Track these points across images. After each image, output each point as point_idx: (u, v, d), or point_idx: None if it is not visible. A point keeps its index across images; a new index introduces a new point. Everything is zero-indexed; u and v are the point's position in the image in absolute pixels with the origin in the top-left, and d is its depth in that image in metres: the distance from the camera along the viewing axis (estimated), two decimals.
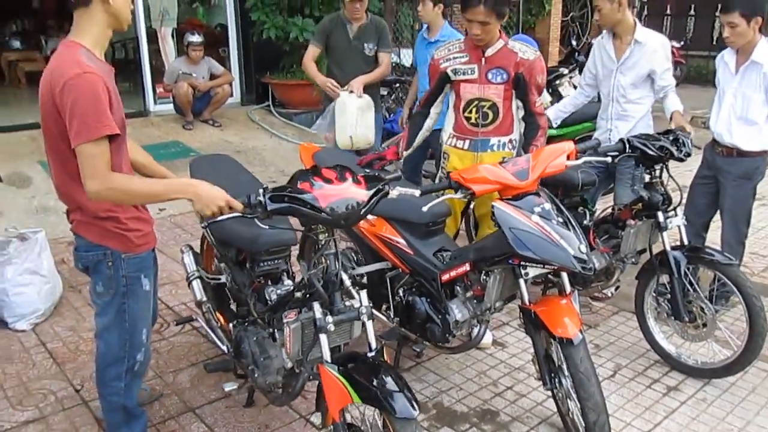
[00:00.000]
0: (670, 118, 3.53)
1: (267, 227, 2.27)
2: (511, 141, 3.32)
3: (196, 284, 2.96)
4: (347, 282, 2.17)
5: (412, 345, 3.23)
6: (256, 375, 2.50)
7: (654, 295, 3.28)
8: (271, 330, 2.44)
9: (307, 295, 2.21)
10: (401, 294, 2.99)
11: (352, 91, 4.52)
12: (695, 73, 13.15)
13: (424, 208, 2.51)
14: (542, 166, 2.52)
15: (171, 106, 7.52)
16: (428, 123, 3.46)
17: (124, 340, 2.30)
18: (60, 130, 2.02)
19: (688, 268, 3.10)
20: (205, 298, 2.93)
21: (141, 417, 2.51)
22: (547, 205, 2.48)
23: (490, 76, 3.18)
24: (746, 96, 3.38)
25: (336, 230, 2.33)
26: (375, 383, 1.96)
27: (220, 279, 2.97)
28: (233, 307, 2.98)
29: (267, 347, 2.51)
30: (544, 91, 4.72)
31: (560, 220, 2.46)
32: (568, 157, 2.61)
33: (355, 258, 3.35)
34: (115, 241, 2.19)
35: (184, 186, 2.09)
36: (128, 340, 2.30)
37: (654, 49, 3.64)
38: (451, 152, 3.40)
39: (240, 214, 2.10)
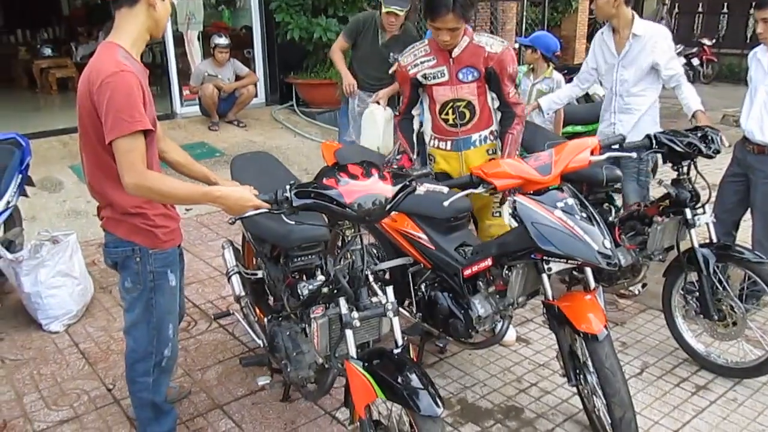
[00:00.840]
0: (692, 117, 3.48)
1: (294, 222, 2.29)
2: (492, 132, 3.31)
3: (236, 279, 3.00)
4: (372, 278, 2.18)
5: (435, 341, 3.23)
6: (288, 369, 2.52)
7: (682, 293, 3.23)
8: (303, 325, 2.46)
9: (334, 291, 2.23)
10: (423, 289, 2.99)
11: (378, 103, 4.52)
12: (727, 71, 12.93)
13: (445, 203, 2.51)
14: (565, 161, 2.50)
15: (197, 108, 7.61)
16: (416, 122, 3.46)
17: (151, 336, 2.35)
18: (95, 127, 2.09)
19: (717, 266, 3.04)
20: (243, 293, 2.96)
21: (170, 413, 2.55)
22: (570, 200, 2.46)
23: (460, 76, 3.15)
24: None
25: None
26: (399, 380, 1.96)
27: (257, 274, 3.01)
28: (271, 302, 3.02)
29: (300, 342, 2.53)
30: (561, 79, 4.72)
31: (584, 215, 2.43)
32: (592, 153, 2.58)
33: (377, 254, 3.36)
34: (142, 237, 2.25)
35: (214, 197, 2.13)
36: (156, 335, 2.35)
37: (654, 41, 3.62)
38: (435, 154, 3.40)
39: (266, 210, 2.13)
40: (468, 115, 3.25)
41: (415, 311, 3.02)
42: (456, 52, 3.10)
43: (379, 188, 2.08)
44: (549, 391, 3.03)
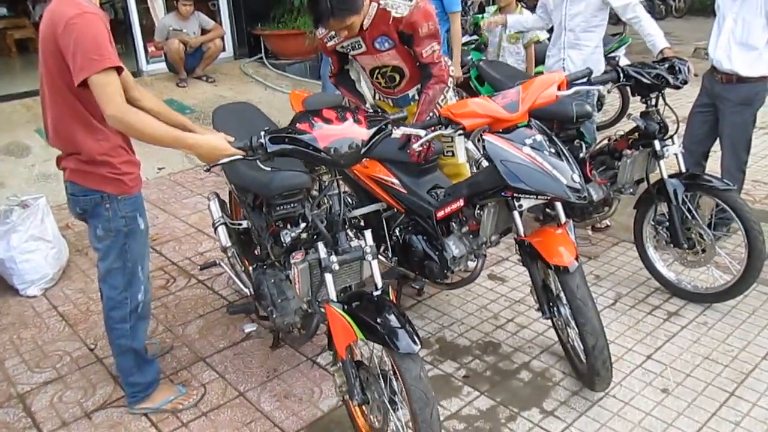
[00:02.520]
0: (660, 55, 3.46)
1: (270, 169, 2.27)
2: None
3: (222, 230, 2.99)
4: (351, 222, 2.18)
5: (412, 283, 3.27)
6: (274, 316, 2.55)
7: (653, 224, 3.28)
8: (288, 272, 2.48)
9: (313, 236, 2.24)
10: (398, 234, 3.01)
11: None
12: (699, 3, 12.86)
13: (416, 146, 2.50)
14: (532, 98, 2.48)
15: (163, 65, 7.41)
16: (353, 74, 3.44)
17: (126, 281, 2.40)
18: (62, 71, 2.09)
19: (686, 196, 3.09)
20: (229, 244, 2.96)
21: (152, 364, 2.61)
22: (539, 137, 2.46)
23: (377, 45, 3.08)
24: (746, 21, 3.29)
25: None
26: (378, 321, 1.99)
27: (242, 224, 3.02)
28: (258, 251, 3.03)
29: (284, 289, 2.56)
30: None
31: (552, 150, 2.44)
32: (559, 88, 2.57)
33: (352, 201, 3.36)
34: (111, 186, 2.28)
35: (188, 144, 2.15)
36: (130, 279, 2.41)
37: None
38: (383, 106, 3.44)
39: (241, 157, 2.10)
40: (398, 77, 3.25)
41: (390, 256, 3.04)
42: (366, 23, 3.00)
43: (354, 132, 2.06)
44: (525, 325, 3.10)
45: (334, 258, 2.11)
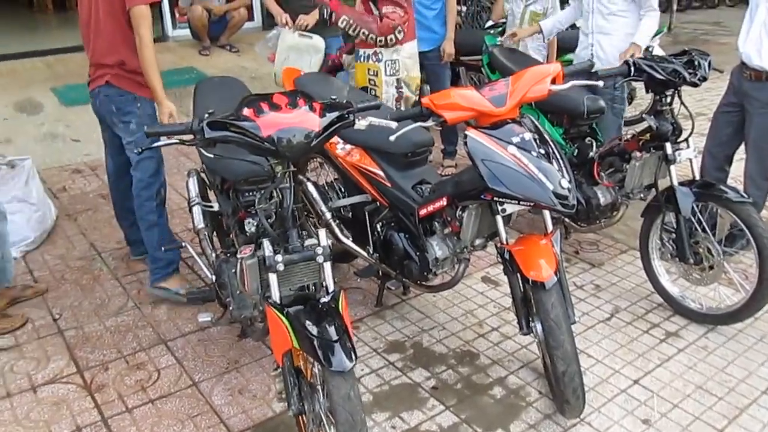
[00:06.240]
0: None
1: (213, 156, 2.14)
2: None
3: (197, 210, 2.84)
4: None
5: (388, 284, 3.06)
6: (231, 308, 2.41)
7: (659, 233, 3.02)
8: None
9: (261, 231, 2.08)
10: (380, 229, 2.83)
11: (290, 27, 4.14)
12: None
13: (392, 138, 2.29)
14: (522, 91, 2.25)
15: (188, 32, 7.32)
16: None
17: (155, 167, 3.02)
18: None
19: (697, 206, 2.82)
20: (202, 225, 2.81)
21: (175, 245, 3.09)
22: (528, 135, 2.23)
23: None
24: None
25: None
26: (315, 331, 1.81)
27: (213, 207, 2.88)
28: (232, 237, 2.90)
29: None
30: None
31: (541, 152, 2.21)
32: (554, 81, 2.33)
33: (344, 191, 3.18)
34: (142, 90, 2.94)
35: (161, 97, 2.89)
36: (157, 167, 3.03)
37: None
38: None
39: (178, 141, 1.98)
40: None
41: (372, 251, 2.86)
42: None
43: (304, 121, 1.89)
44: (509, 336, 2.89)
45: (279, 257, 1.93)
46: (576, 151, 3.35)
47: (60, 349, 2.78)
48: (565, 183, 2.18)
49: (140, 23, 2.77)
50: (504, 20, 5.13)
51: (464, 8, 6.26)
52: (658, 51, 4.94)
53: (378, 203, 2.83)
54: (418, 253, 2.67)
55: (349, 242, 2.73)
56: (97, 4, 2.85)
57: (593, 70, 2.73)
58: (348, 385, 1.76)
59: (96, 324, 2.96)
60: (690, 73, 2.71)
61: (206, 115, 1.90)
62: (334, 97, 2.09)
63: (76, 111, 5.30)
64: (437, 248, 2.61)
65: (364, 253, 2.84)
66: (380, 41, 3.66)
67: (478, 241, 2.59)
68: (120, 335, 2.87)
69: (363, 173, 2.83)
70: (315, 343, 1.77)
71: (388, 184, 2.74)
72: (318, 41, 4.11)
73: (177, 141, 2.00)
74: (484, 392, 2.55)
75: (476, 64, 5.14)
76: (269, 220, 2.09)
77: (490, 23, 5.43)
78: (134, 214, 3.14)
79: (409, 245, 2.72)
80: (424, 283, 2.79)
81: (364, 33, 3.64)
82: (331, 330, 1.81)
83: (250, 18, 7.70)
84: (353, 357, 1.77)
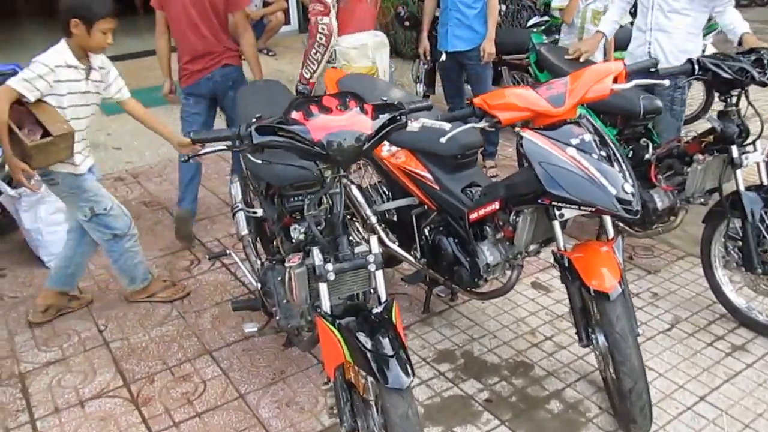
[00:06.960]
0: (739, 42, 2.99)
1: (261, 162, 2.09)
2: None
3: (240, 216, 2.80)
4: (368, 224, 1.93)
5: (437, 290, 2.96)
6: (278, 317, 2.34)
7: (723, 241, 2.85)
8: None
9: (311, 239, 2.00)
10: (428, 233, 2.74)
11: None
12: None
13: (443, 139, 2.19)
14: (582, 91, 2.14)
15: None
16: None
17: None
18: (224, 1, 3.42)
19: (766, 212, 2.66)
20: (246, 232, 2.76)
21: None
22: (588, 137, 2.12)
23: None
24: None
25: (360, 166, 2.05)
26: (369, 344, 1.73)
27: (257, 213, 2.82)
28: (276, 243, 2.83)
29: None
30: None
31: (602, 154, 2.10)
32: (616, 80, 2.21)
33: (388, 194, 3.10)
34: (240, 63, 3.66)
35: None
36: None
37: None
38: None
39: (224, 148, 1.92)
40: None
41: (419, 257, 2.77)
42: None
43: (357, 123, 1.81)
44: (564, 346, 2.76)
45: (329, 266, 1.85)
46: (631, 152, 3.21)
47: (106, 362, 2.75)
48: (628, 187, 2.05)
49: (243, 23, 3.54)
50: (547, 18, 5.00)
51: (504, 7, 6.12)
52: (710, 49, 4.75)
53: (425, 206, 2.73)
54: (468, 259, 2.57)
55: (396, 247, 2.64)
56: (203, 3, 3.39)
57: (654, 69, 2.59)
58: (405, 404, 1.67)
59: (141, 335, 2.92)
60: (759, 72, 2.55)
61: (253, 120, 1.83)
62: (384, 98, 2.01)
63: (117, 119, 5.31)
64: (488, 254, 2.50)
65: (412, 259, 2.75)
66: (321, 39, 3.56)
67: (532, 247, 2.48)
68: (165, 345, 2.83)
69: (409, 175, 2.74)
70: (369, 357, 1.69)
71: (437, 187, 2.65)
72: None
73: (224, 147, 1.93)
74: (541, 406, 2.43)
75: (519, 63, 5.02)
76: (318, 227, 2.02)
77: (534, 20, 5.28)
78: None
79: (458, 250, 2.62)
80: (474, 289, 2.68)
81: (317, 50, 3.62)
82: (386, 343, 1.72)
83: (287, 22, 7.68)
84: (410, 373, 1.68)
